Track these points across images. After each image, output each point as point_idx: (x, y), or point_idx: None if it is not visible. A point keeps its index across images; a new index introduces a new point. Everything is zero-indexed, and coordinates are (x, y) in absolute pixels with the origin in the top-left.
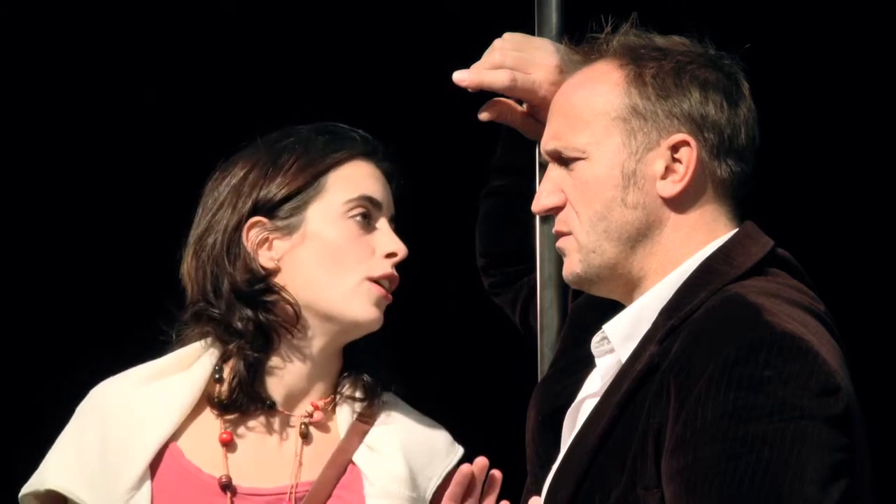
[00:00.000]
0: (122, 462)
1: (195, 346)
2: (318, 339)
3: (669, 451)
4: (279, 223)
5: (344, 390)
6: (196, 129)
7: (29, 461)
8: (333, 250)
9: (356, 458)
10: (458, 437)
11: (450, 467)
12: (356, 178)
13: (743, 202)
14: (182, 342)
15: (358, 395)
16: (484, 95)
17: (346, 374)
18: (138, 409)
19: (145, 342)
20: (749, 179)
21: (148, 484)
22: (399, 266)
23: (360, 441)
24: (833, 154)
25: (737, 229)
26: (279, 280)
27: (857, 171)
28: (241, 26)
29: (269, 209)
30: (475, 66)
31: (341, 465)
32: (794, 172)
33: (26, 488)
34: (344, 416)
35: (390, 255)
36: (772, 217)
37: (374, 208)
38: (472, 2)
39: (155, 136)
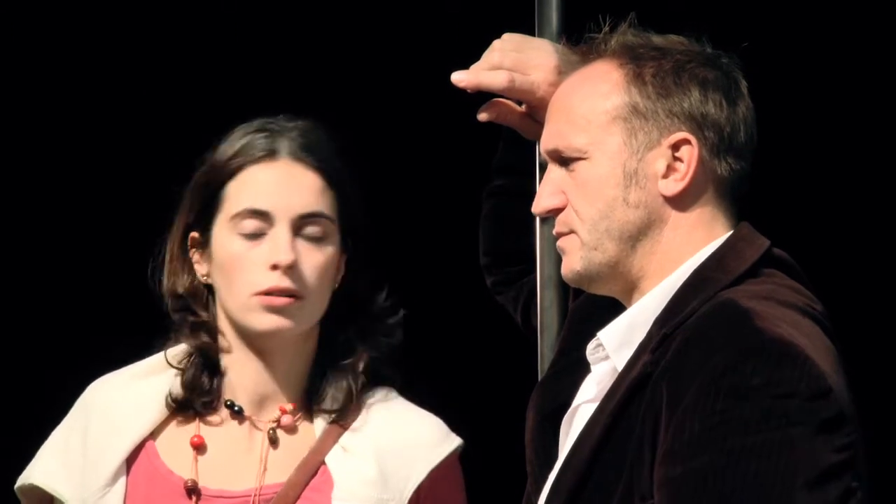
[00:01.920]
0: (100, 458)
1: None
2: (253, 345)
3: (659, 460)
4: (203, 237)
5: (320, 397)
6: (194, 128)
7: (29, 458)
8: (225, 267)
9: (328, 459)
10: (458, 437)
11: (438, 460)
12: (246, 190)
13: (741, 201)
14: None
15: (333, 405)
16: (484, 95)
17: (325, 376)
18: (122, 406)
19: (148, 339)
20: (747, 178)
21: (123, 480)
22: (401, 265)
23: (335, 442)
24: (832, 154)
25: (733, 231)
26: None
27: (857, 171)
28: (240, 25)
29: (199, 223)
30: (474, 67)
31: (312, 467)
32: (793, 172)
33: (17, 482)
34: (321, 416)
35: (274, 267)
36: (771, 217)
37: (262, 219)
38: (472, 2)
39: (153, 135)
